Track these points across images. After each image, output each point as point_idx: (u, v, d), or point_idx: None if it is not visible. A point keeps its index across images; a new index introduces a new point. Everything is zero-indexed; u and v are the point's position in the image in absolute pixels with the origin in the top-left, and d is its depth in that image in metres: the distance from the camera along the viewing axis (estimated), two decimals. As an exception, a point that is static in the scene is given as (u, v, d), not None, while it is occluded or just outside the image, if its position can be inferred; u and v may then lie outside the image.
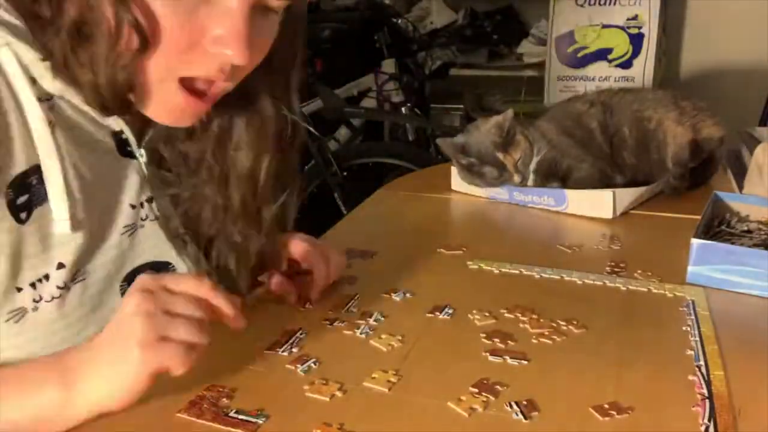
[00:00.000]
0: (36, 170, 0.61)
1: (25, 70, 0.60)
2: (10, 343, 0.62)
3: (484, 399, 0.61)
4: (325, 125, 2.43)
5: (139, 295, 0.58)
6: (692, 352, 0.70)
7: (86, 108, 0.64)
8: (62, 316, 0.64)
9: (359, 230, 1.11)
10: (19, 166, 0.60)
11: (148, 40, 0.57)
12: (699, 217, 0.95)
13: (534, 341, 0.72)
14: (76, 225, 0.63)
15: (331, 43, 2.53)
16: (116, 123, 0.67)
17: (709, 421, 0.58)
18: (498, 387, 0.63)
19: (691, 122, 1.26)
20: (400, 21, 2.70)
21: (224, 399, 0.61)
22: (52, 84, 0.61)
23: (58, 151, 0.61)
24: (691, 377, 0.65)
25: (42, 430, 0.56)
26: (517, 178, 1.20)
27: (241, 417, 0.59)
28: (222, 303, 0.62)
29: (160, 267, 0.72)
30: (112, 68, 0.58)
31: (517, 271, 0.91)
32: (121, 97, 0.61)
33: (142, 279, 0.60)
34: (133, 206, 0.69)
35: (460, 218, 1.24)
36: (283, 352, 0.70)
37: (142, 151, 0.70)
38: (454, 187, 1.29)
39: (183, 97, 0.62)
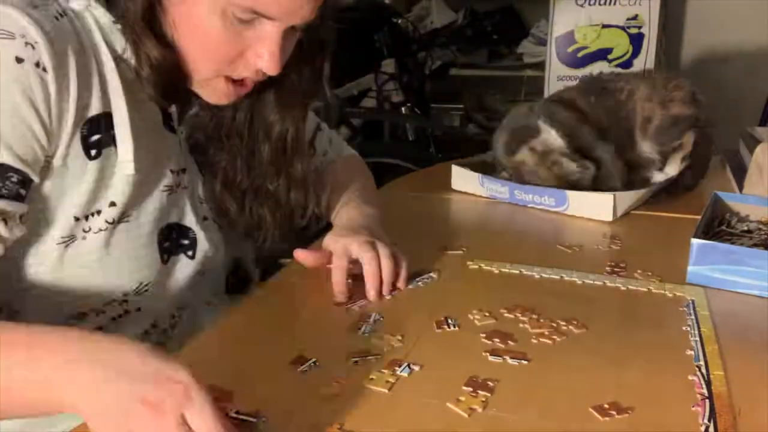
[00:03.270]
0: (105, 117, 0.71)
1: (101, 30, 0.71)
2: (54, 266, 0.71)
3: (483, 399, 0.61)
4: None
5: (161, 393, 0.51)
6: (692, 352, 0.70)
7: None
8: (103, 250, 0.73)
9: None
10: (95, 108, 0.70)
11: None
12: (699, 217, 0.95)
13: (534, 341, 0.72)
14: (137, 168, 0.73)
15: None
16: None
17: (709, 421, 0.58)
18: (490, 383, 0.64)
19: (660, 98, 1.25)
20: (400, 21, 2.70)
21: (224, 399, 0.61)
22: (120, 46, 0.72)
23: (126, 102, 0.72)
24: (691, 377, 0.65)
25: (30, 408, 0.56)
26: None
27: (241, 417, 0.59)
28: None
29: (183, 229, 0.82)
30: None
31: (517, 271, 0.91)
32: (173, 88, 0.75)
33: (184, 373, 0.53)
34: (172, 171, 0.80)
35: (460, 218, 1.24)
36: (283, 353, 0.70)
37: (182, 128, 0.82)
38: (454, 187, 1.30)
39: (228, 87, 0.77)
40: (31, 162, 0.66)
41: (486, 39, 2.90)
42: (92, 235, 0.72)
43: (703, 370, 0.66)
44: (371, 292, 0.82)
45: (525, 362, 0.68)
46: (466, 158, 1.41)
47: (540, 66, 2.41)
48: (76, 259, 0.72)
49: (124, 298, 0.76)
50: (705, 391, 0.63)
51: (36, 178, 0.67)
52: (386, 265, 0.83)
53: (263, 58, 0.73)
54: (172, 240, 0.81)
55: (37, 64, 0.65)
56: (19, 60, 0.64)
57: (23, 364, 0.54)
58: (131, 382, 0.51)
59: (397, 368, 0.66)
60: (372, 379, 0.65)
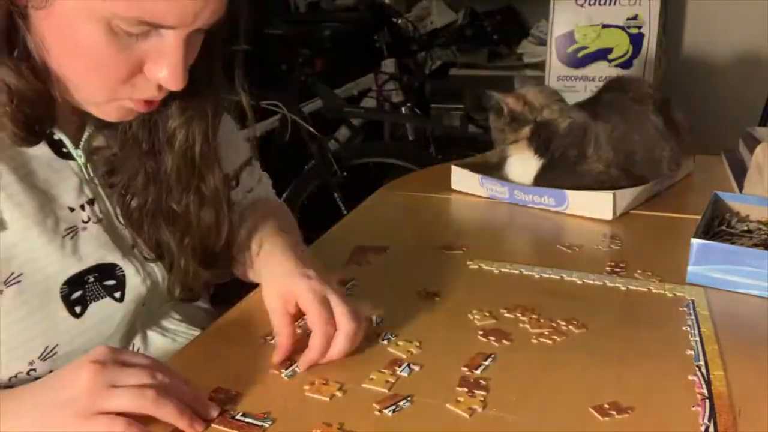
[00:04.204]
0: None
1: None
2: None
3: (481, 398, 0.61)
4: (325, 125, 2.43)
5: (90, 366, 0.56)
6: (692, 352, 0.70)
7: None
8: None
9: (358, 230, 1.11)
10: None
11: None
12: (699, 217, 0.95)
13: (534, 341, 0.72)
14: (3, 228, 0.63)
15: (331, 43, 2.53)
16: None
17: (709, 421, 0.58)
18: (482, 381, 0.64)
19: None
20: (400, 21, 2.70)
21: (230, 402, 0.61)
22: None
23: None
24: (691, 377, 0.65)
25: None
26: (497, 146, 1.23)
27: (247, 420, 0.58)
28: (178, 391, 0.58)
29: (106, 269, 0.70)
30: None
31: (517, 271, 0.91)
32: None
33: (98, 350, 0.58)
34: (72, 209, 0.69)
35: (460, 218, 1.24)
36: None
37: (80, 152, 0.70)
38: (454, 187, 1.29)
39: (133, 105, 0.66)
40: None
41: (486, 39, 2.90)
42: None
43: (703, 370, 0.66)
44: (304, 364, 0.67)
45: (507, 343, 0.69)
46: (466, 158, 1.41)
47: (540, 66, 2.41)
48: None
49: (31, 367, 0.66)
50: (705, 391, 0.63)
51: None
52: (341, 342, 0.67)
53: (163, 72, 0.62)
54: (86, 287, 0.69)
55: None
56: None
57: None
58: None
59: (397, 368, 0.66)
60: (372, 379, 0.65)
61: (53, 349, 0.67)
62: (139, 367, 0.58)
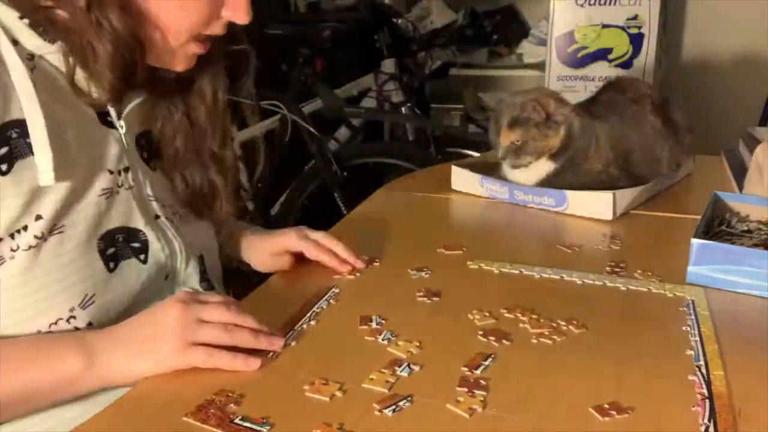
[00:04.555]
0: (16, 124, 0.65)
1: (6, 30, 0.66)
2: None
3: (481, 399, 0.61)
4: (325, 125, 2.43)
5: (178, 304, 0.68)
6: (692, 352, 0.70)
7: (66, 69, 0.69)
8: (37, 266, 0.67)
9: (359, 230, 1.11)
10: None
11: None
12: (699, 217, 0.95)
13: (534, 341, 0.72)
14: (59, 177, 0.67)
15: (331, 43, 2.53)
16: (96, 94, 0.72)
17: (709, 421, 0.58)
18: (483, 381, 0.64)
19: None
20: (400, 21, 2.70)
21: (232, 405, 0.61)
22: (32, 42, 0.67)
23: (42, 106, 0.66)
24: (691, 377, 0.65)
25: (55, 396, 0.67)
26: (500, 153, 1.19)
27: (245, 425, 0.58)
28: (251, 324, 0.70)
29: (131, 232, 0.77)
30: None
31: (517, 271, 0.91)
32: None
33: (180, 293, 0.70)
34: (111, 172, 0.74)
35: (460, 218, 1.24)
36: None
37: (122, 122, 0.76)
38: (454, 187, 1.30)
39: (197, 47, 0.76)
40: None
41: (486, 39, 2.90)
42: (21, 253, 0.66)
43: (703, 370, 0.66)
44: (340, 268, 0.91)
45: (507, 343, 0.69)
46: (466, 158, 1.41)
47: (540, 66, 2.41)
48: (8, 280, 0.66)
49: (71, 314, 0.70)
50: (705, 391, 0.63)
51: None
52: (330, 244, 0.93)
53: (239, 9, 0.74)
54: (117, 245, 0.75)
55: None
56: None
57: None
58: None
59: (397, 368, 0.66)
60: (372, 379, 0.65)
61: (91, 297, 0.71)
62: (214, 303, 0.70)
